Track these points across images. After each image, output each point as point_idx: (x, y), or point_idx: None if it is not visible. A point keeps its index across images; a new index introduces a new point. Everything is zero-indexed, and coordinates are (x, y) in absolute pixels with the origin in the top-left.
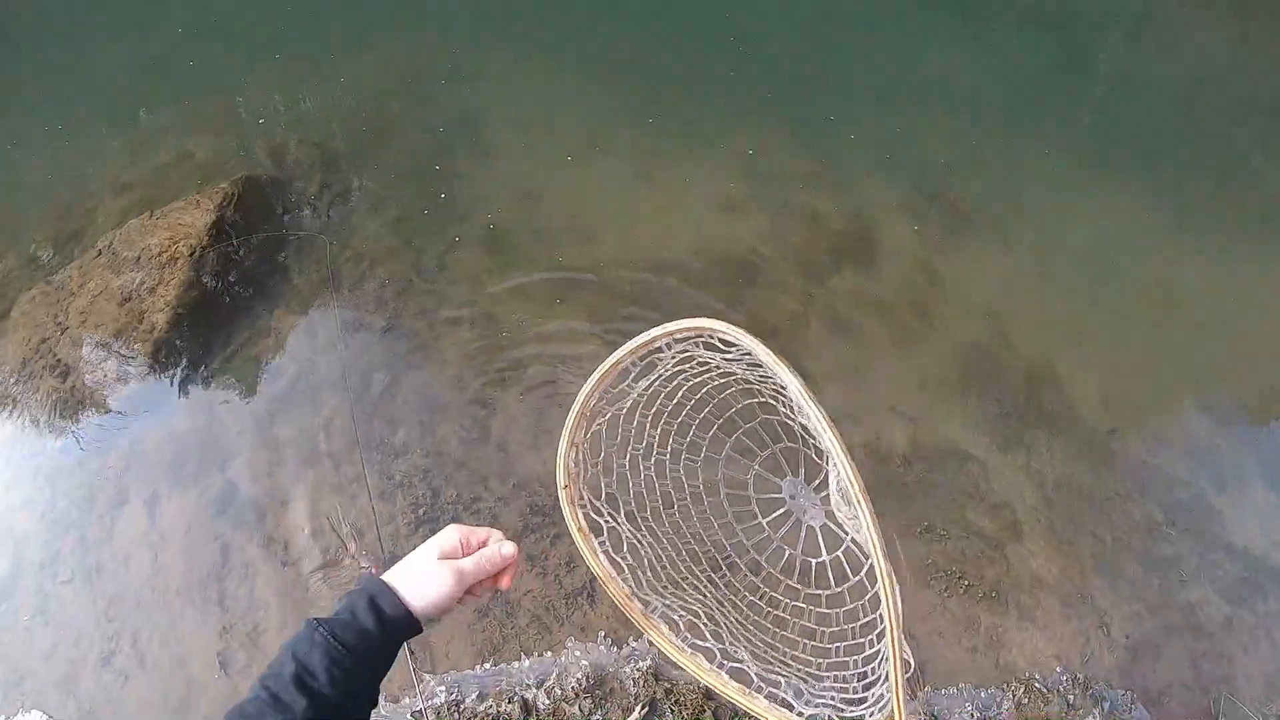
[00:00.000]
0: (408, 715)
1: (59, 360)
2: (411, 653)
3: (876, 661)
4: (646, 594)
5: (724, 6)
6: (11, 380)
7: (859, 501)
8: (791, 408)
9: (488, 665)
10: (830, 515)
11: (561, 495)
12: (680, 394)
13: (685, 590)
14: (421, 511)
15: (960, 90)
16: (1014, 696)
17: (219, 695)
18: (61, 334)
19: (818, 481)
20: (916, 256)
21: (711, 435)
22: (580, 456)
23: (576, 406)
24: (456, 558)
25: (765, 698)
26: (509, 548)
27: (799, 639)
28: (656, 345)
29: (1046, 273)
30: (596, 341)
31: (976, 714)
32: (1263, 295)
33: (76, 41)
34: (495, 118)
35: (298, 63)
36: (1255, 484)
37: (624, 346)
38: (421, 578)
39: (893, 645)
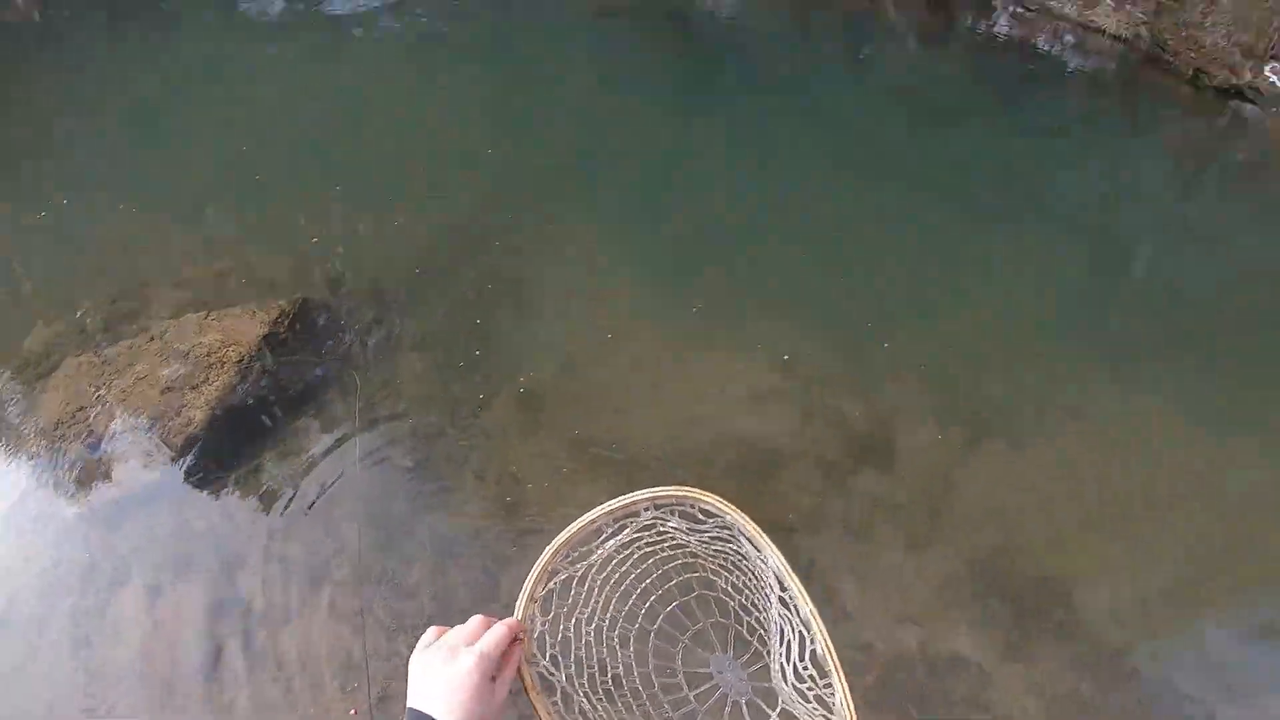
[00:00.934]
0: None
1: (91, 430)
2: None
3: None
4: None
5: (786, 225)
6: (42, 437)
7: (836, 670)
8: (733, 586)
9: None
10: (757, 691)
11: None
12: (632, 560)
13: None
14: None
15: (994, 300)
16: None
17: None
18: (100, 406)
19: (746, 657)
20: (936, 464)
21: (649, 606)
22: (536, 614)
23: (542, 561)
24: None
25: None
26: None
27: None
28: (636, 509)
29: (1065, 484)
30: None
31: None
32: None
33: (161, 128)
34: (544, 283)
35: (362, 197)
36: (1272, 705)
37: (602, 506)
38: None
39: None
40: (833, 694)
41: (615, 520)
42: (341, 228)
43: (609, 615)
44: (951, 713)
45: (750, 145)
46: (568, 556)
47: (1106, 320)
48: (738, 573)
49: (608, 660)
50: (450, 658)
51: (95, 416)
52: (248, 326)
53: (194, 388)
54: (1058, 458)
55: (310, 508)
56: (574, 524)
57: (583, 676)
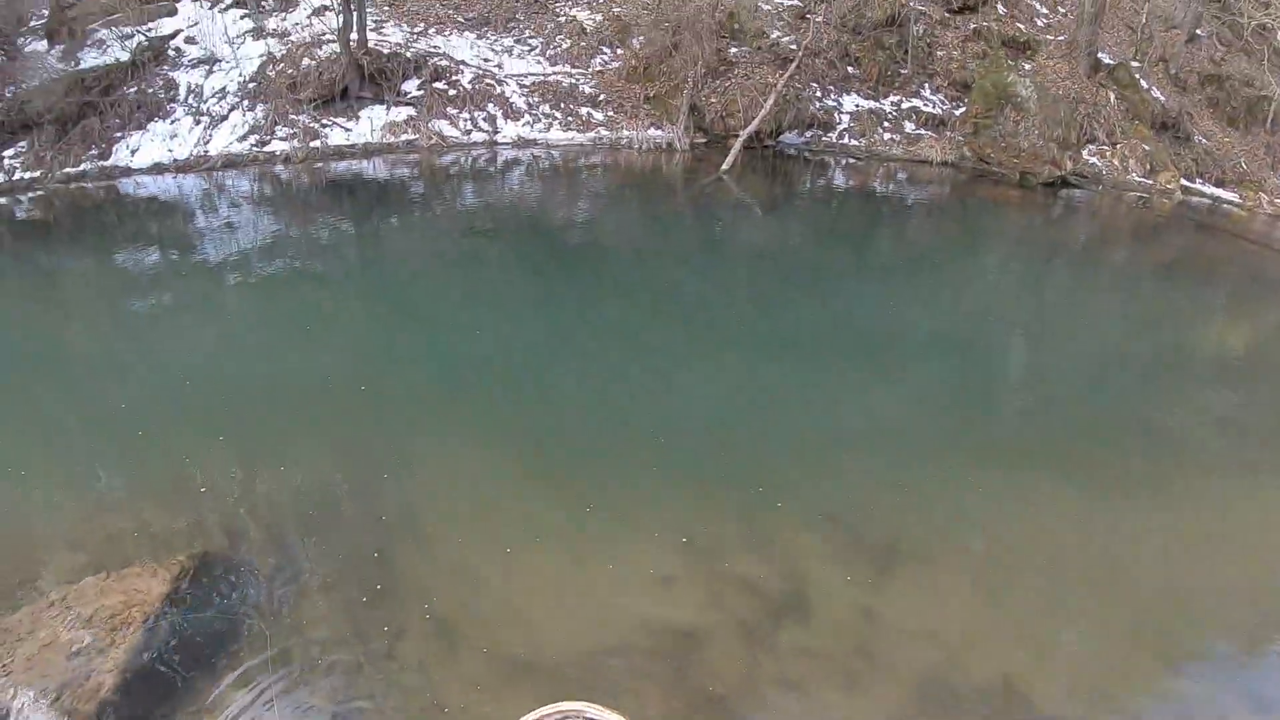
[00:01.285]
0: None
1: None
2: None
3: None
4: None
5: (649, 412)
6: None
7: None
8: None
9: None
10: None
11: None
12: None
13: None
14: None
15: (870, 437)
16: None
17: None
18: (5, 676)
19: None
20: (852, 601)
21: None
22: None
23: None
24: None
25: None
26: None
27: None
28: None
29: (983, 585)
30: None
31: None
32: (1197, 540)
33: (35, 386)
34: (437, 506)
35: (249, 443)
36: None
37: None
38: None
39: None
40: None
41: None
42: (231, 476)
43: None
44: None
45: (613, 337)
46: None
47: (981, 427)
48: None
49: None
50: None
51: (2, 690)
52: (149, 584)
53: (101, 651)
54: (970, 568)
55: None
56: None
57: None
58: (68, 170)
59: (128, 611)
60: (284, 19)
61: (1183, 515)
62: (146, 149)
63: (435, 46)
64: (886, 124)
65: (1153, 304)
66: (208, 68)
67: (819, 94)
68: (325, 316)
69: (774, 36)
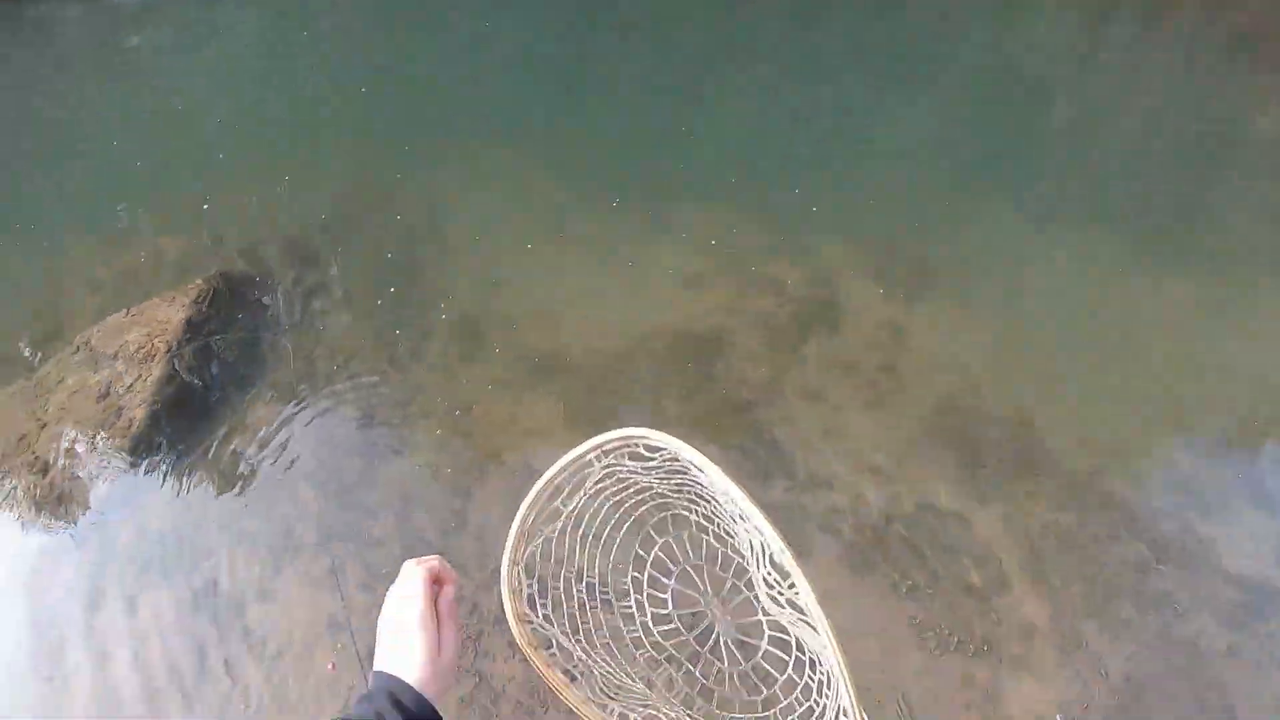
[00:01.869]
0: None
1: (37, 457)
2: None
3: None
4: (602, 699)
5: (677, 103)
6: None
7: (794, 567)
8: (704, 517)
9: None
10: (741, 628)
11: (509, 612)
12: (604, 512)
13: (637, 696)
14: None
15: (914, 153)
16: None
17: None
18: (40, 430)
19: (726, 589)
20: (883, 317)
21: (634, 555)
22: (521, 574)
23: (516, 525)
24: (433, 605)
25: None
26: (454, 588)
27: None
28: (587, 459)
29: (1014, 321)
30: (567, 428)
31: None
32: (1226, 326)
33: (48, 143)
34: (458, 209)
35: (265, 161)
36: (1242, 507)
37: (556, 464)
38: (432, 663)
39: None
40: (798, 593)
41: (571, 476)
42: (245, 194)
43: (596, 570)
44: (935, 562)
45: (647, 30)
46: (534, 520)
47: (1030, 167)
48: (703, 503)
49: (602, 616)
50: (393, 614)
51: (38, 441)
52: (169, 313)
53: (129, 388)
54: (1000, 299)
55: (266, 480)
56: (536, 484)
57: (578, 632)
58: None
59: (151, 344)
60: None
61: (1217, 296)
62: None
63: None
64: None
65: (1225, 80)
66: None
67: None
68: (329, 12)
69: None
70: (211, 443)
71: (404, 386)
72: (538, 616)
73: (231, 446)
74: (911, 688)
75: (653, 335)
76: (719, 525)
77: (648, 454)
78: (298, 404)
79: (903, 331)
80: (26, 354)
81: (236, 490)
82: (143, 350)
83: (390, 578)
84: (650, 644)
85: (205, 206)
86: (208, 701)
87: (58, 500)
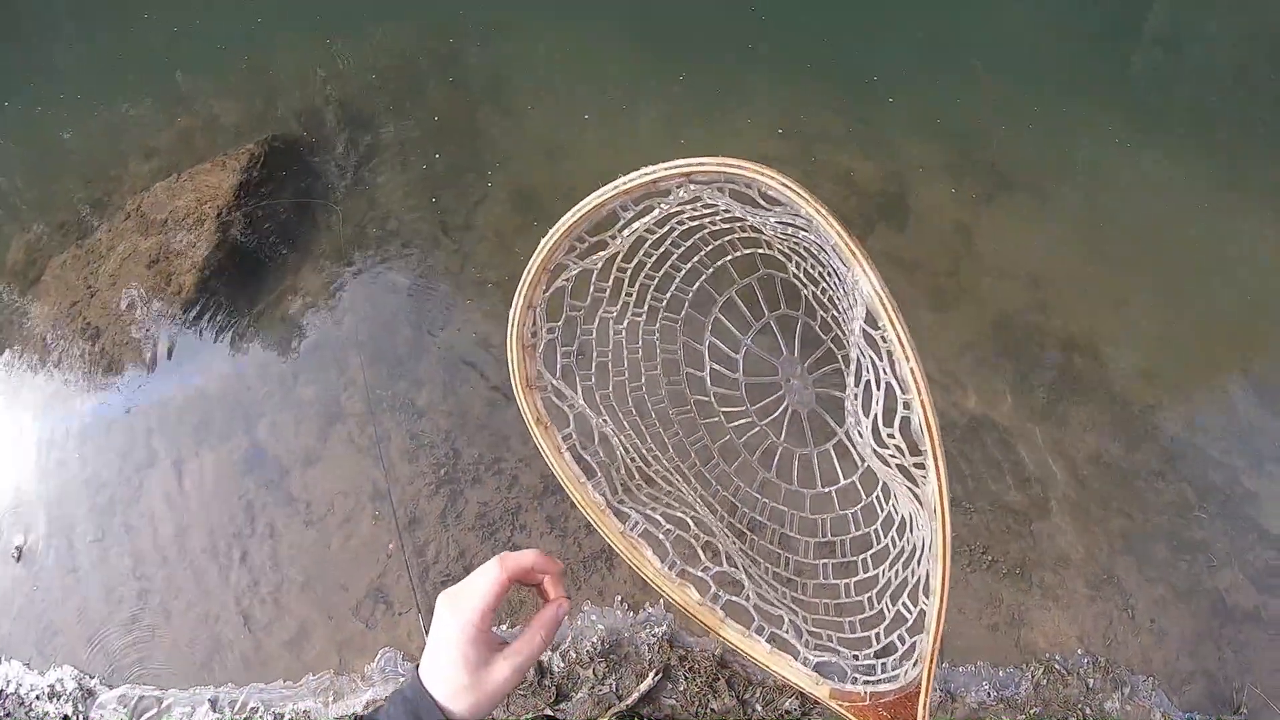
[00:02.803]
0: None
1: (89, 323)
2: (418, 608)
3: (902, 598)
4: (623, 501)
5: None
6: (43, 344)
7: (935, 454)
8: (808, 275)
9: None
10: (821, 399)
11: (514, 373)
12: (670, 240)
13: (664, 491)
14: (443, 472)
15: (1002, 51)
16: (1033, 677)
17: (243, 651)
18: (91, 297)
19: (814, 357)
20: (954, 219)
21: (697, 289)
22: (538, 322)
23: (538, 257)
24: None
25: (767, 641)
26: (557, 609)
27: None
28: (665, 186)
29: (1089, 239)
30: None
31: (993, 693)
32: None
33: (101, 6)
34: (521, 76)
35: (324, 25)
36: None
37: (614, 183)
38: (461, 689)
39: (944, 560)
40: (925, 477)
41: (636, 201)
42: (299, 57)
43: (647, 306)
44: (977, 477)
45: None
46: (572, 249)
47: (1122, 75)
48: (814, 261)
49: (641, 365)
50: (443, 614)
51: (90, 308)
52: (220, 178)
53: (179, 253)
54: (1079, 213)
55: (315, 346)
56: (577, 207)
57: (606, 387)
58: None
59: (200, 209)
60: None
61: None
62: None
63: None
64: None
65: None
66: None
67: None
68: None
69: None
70: (261, 308)
71: (456, 255)
72: (555, 378)
73: (281, 312)
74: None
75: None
76: (823, 291)
77: (764, 204)
78: (348, 270)
79: (971, 235)
80: (76, 222)
81: (286, 356)
82: (193, 216)
83: (431, 449)
84: (694, 406)
85: (266, 73)
86: (252, 560)
87: (109, 365)
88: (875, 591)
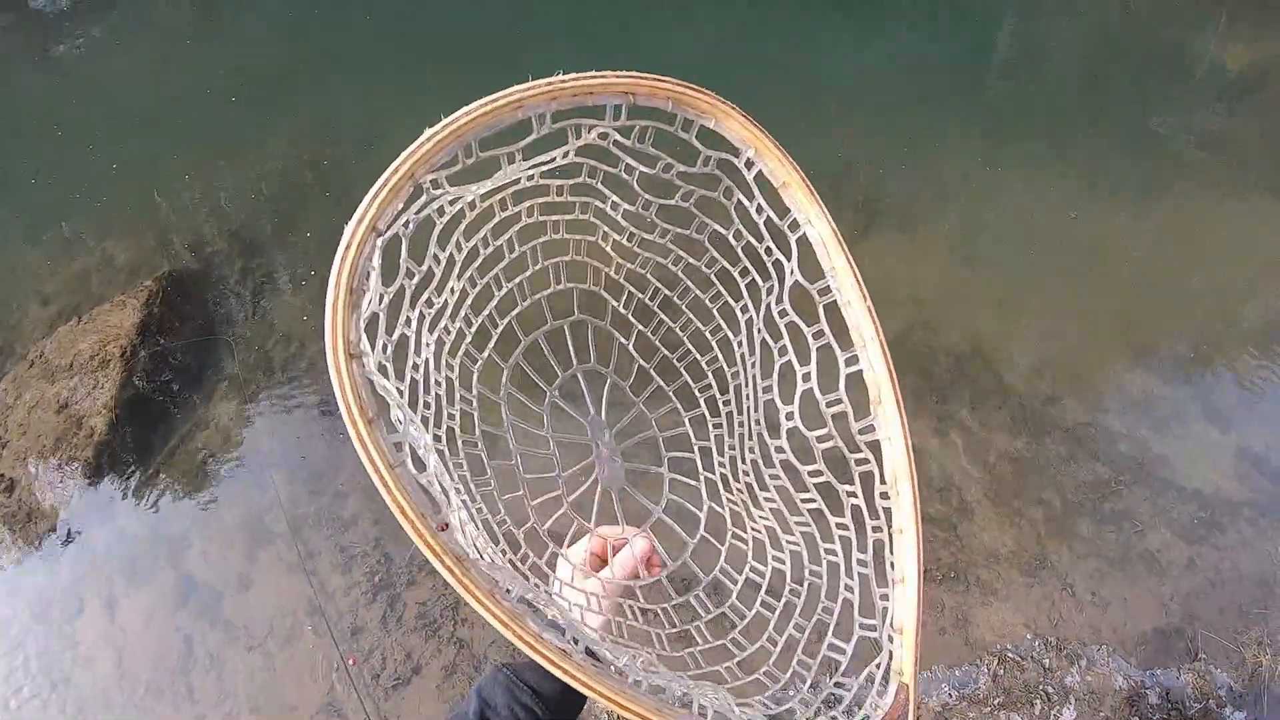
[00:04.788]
0: None
1: (2, 475)
2: (369, 717)
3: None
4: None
5: (614, 31)
6: None
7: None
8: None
9: None
10: (630, 475)
11: (330, 344)
12: (538, 210)
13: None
14: (378, 579)
15: (858, 87)
16: (989, 670)
17: None
18: (2, 448)
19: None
20: None
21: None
22: (372, 266)
23: (408, 158)
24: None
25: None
26: (639, 545)
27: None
28: (521, 108)
29: (963, 254)
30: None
31: (954, 693)
32: (1175, 247)
33: None
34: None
35: (205, 154)
36: (1196, 424)
37: (549, 79)
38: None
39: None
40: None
41: (557, 118)
42: (188, 188)
43: (464, 312)
44: None
45: None
46: (451, 165)
47: (979, 98)
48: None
49: (456, 384)
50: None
51: (2, 461)
52: (121, 317)
53: (87, 394)
54: (951, 232)
55: (233, 473)
56: (488, 99)
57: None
58: None
59: (105, 349)
60: None
61: (1163, 220)
62: None
63: None
64: None
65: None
66: None
67: None
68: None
69: None
70: (176, 442)
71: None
72: (376, 352)
73: (196, 443)
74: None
75: (559, 298)
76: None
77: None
78: (258, 395)
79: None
80: None
81: (205, 486)
82: (97, 357)
83: (363, 558)
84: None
85: (154, 209)
86: (197, 694)
87: (27, 517)
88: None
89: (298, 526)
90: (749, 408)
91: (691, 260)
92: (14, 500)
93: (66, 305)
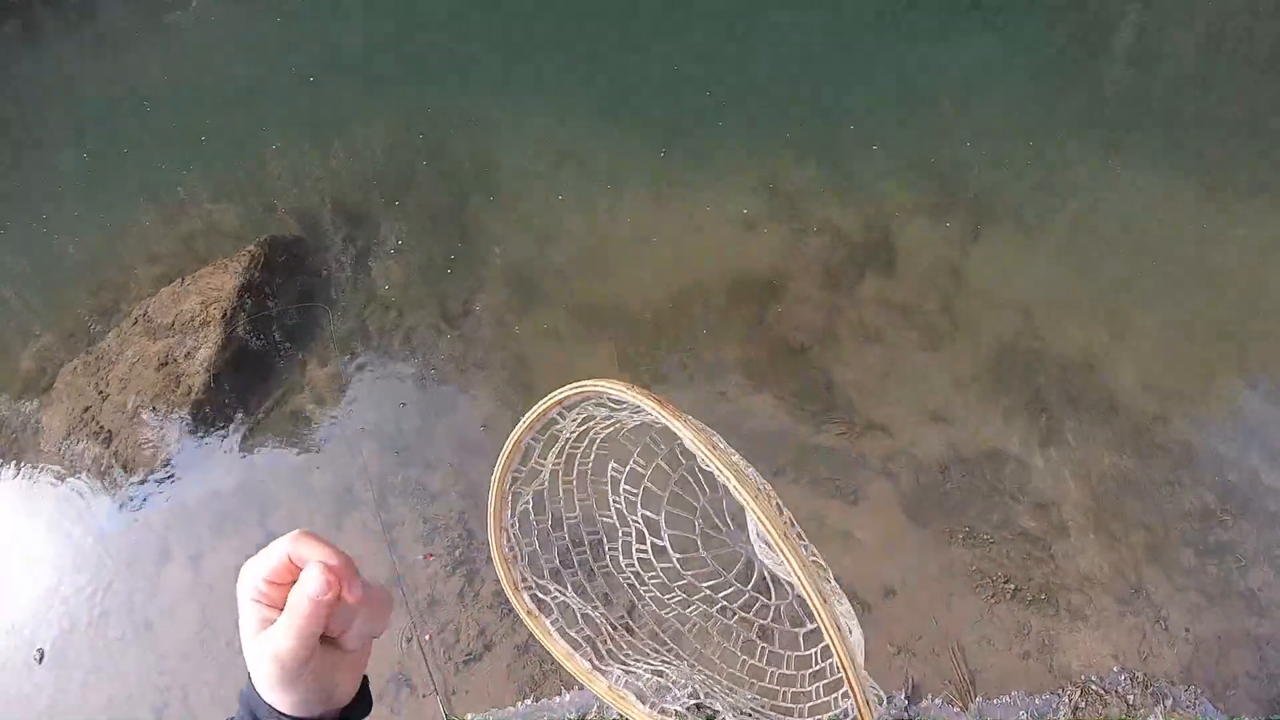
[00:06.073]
0: None
1: (102, 427)
2: (437, 689)
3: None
4: (608, 665)
5: (728, 40)
6: (58, 449)
7: (780, 548)
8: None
9: (529, 702)
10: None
11: (503, 581)
12: (596, 450)
13: (649, 655)
14: (458, 553)
15: (973, 86)
16: (1070, 701)
17: None
18: (103, 401)
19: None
20: (940, 257)
21: (644, 490)
22: (512, 539)
23: (493, 490)
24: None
25: None
26: (312, 585)
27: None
28: (550, 416)
29: (1075, 260)
30: (625, 375)
31: None
32: None
33: (105, 118)
34: (507, 163)
35: (316, 128)
36: None
37: (520, 424)
38: (258, 677)
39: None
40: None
41: (538, 434)
42: (296, 158)
43: (613, 508)
44: (993, 508)
45: None
46: (511, 483)
47: (1094, 95)
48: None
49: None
50: (255, 650)
51: (102, 412)
52: (223, 280)
53: (186, 355)
54: (1063, 237)
55: (324, 438)
56: (504, 446)
57: (594, 579)
58: None
59: (206, 311)
60: None
61: None
62: None
63: None
64: None
65: None
66: None
67: None
68: None
69: None
70: (270, 404)
71: (458, 341)
72: (535, 579)
73: (290, 407)
74: (966, 636)
75: (706, 280)
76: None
77: (614, 406)
78: (353, 364)
79: (960, 272)
80: (86, 329)
81: (296, 449)
82: (198, 318)
83: (445, 531)
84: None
85: (263, 179)
86: None
87: (123, 466)
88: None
89: (384, 495)
90: None
91: None
92: (111, 451)
93: (171, 267)
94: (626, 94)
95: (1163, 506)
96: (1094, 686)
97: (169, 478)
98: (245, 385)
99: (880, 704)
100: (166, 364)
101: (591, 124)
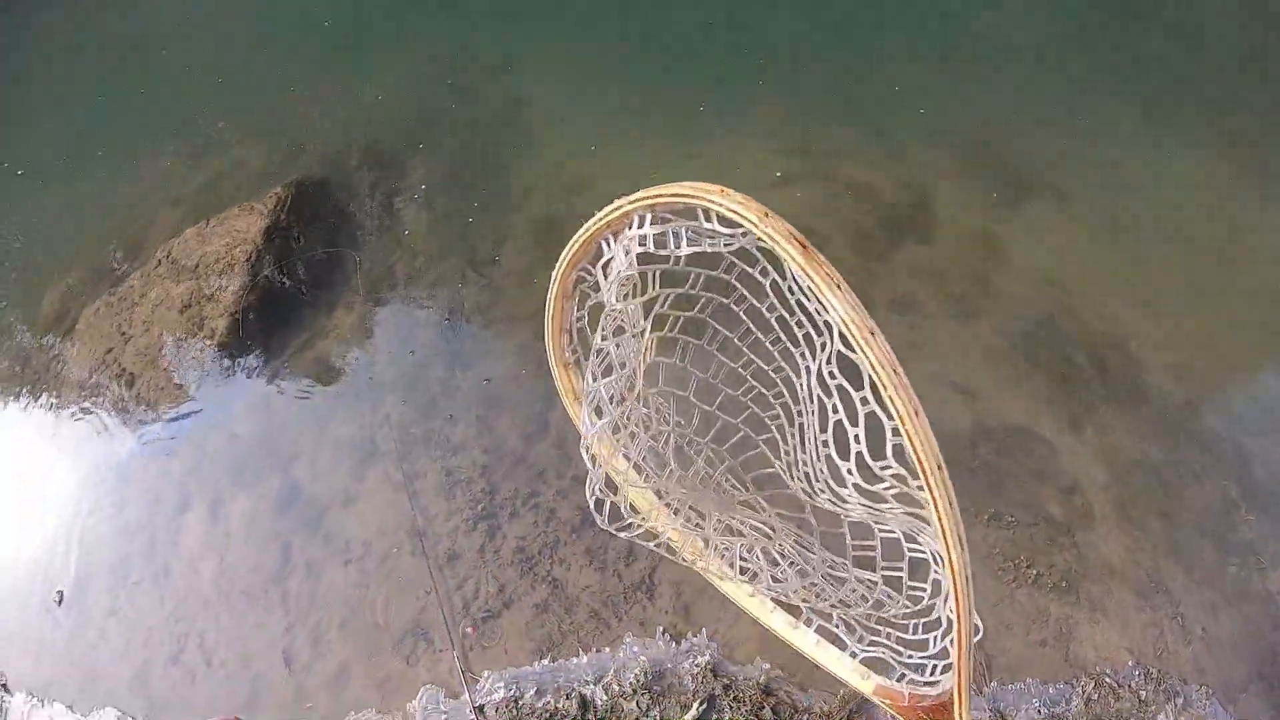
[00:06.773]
0: (467, 711)
1: (124, 369)
2: (454, 644)
3: (941, 598)
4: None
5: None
6: (79, 390)
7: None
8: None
9: (545, 661)
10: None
11: (562, 394)
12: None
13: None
14: (480, 508)
15: (1018, 50)
16: (1083, 692)
17: (284, 692)
18: (125, 343)
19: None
20: (976, 226)
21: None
22: (575, 343)
23: (553, 287)
24: None
25: (815, 631)
26: None
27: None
28: (633, 217)
29: (1114, 237)
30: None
31: (1044, 710)
32: None
33: (128, 58)
34: (538, 109)
35: (345, 69)
36: None
37: (593, 219)
38: None
39: (957, 593)
40: (922, 505)
41: (614, 233)
42: (323, 100)
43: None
44: (1018, 490)
45: None
46: (578, 276)
47: (1137, 65)
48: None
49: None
50: None
51: (125, 354)
52: (248, 223)
53: (210, 298)
54: (1103, 214)
55: (347, 386)
56: (571, 242)
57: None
58: None
59: (230, 254)
60: None
61: None
62: None
63: None
64: None
65: None
66: None
67: None
68: None
69: None
70: (293, 350)
71: (485, 290)
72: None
73: (313, 354)
74: (985, 619)
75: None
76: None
77: (723, 229)
78: (378, 311)
79: (995, 242)
80: (111, 269)
81: (319, 397)
82: (222, 261)
83: (468, 485)
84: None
85: (289, 120)
86: (290, 602)
87: (145, 409)
88: (931, 598)
89: (407, 447)
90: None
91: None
92: (133, 394)
93: (196, 208)
94: (667, 47)
95: (1186, 498)
96: (1108, 679)
97: (190, 421)
98: (269, 330)
99: (978, 633)
100: (190, 306)
101: (626, 74)
